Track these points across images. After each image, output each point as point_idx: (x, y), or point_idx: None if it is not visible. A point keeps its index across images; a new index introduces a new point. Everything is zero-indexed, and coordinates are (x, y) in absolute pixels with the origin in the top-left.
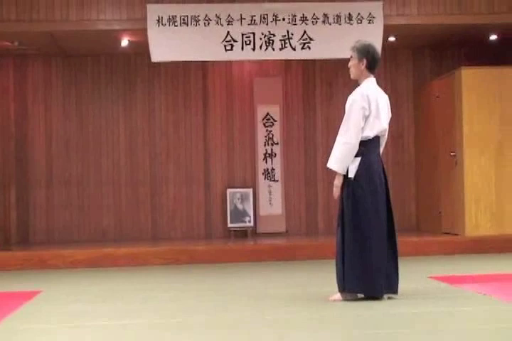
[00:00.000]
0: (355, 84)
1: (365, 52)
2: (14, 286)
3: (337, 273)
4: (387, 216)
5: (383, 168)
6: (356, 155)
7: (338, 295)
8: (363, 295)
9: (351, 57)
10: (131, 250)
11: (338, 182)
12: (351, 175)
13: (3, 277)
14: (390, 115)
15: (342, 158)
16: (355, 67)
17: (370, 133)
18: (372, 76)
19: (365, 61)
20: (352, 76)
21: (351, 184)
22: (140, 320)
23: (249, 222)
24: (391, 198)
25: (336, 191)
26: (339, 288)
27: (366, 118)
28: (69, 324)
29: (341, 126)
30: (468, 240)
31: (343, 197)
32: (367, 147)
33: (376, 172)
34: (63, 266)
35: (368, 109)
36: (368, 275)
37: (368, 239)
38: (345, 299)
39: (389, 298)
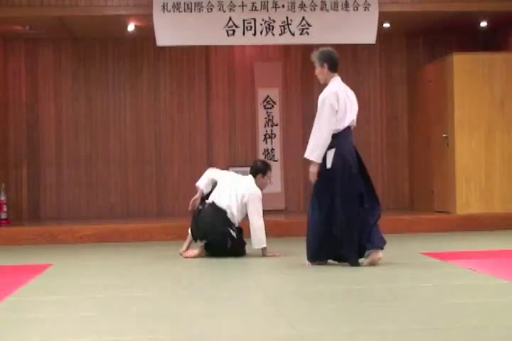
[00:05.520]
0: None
1: (323, 58)
2: (26, 260)
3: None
4: (370, 196)
5: (357, 153)
6: (331, 147)
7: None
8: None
9: (315, 66)
10: (138, 226)
11: (313, 169)
12: (329, 165)
13: (16, 251)
14: (357, 107)
15: (316, 148)
16: (320, 73)
17: (340, 127)
18: (336, 75)
19: (326, 65)
20: (321, 81)
21: (328, 172)
22: (144, 293)
23: None
24: (371, 178)
25: (313, 177)
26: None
27: (335, 113)
28: (78, 296)
29: (314, 122)
30: (459, 218)
31: (320, 180)
32: (339, 138)
33: (350, 160)
34: (72, 240)
35: (337, 105)
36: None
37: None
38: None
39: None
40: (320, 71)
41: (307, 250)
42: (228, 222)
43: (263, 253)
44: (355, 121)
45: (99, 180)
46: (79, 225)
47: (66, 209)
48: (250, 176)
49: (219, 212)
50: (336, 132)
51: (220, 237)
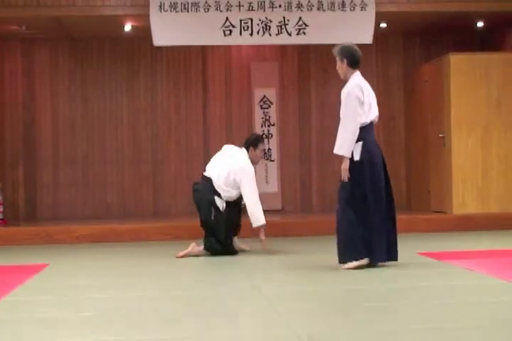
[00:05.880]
0: None
1: (344, 53)
2: (23, 260)
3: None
4: (387, 193)
5: (380, 151)
6: (358, 140)
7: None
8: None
9: (336, 60)
10: (134, 226)
11: (345, 165)
12: (357, 158)
13: (13, 251)
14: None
15: (345, 143)
16: (340, 68)
17: (366, 120)
18: (357, 71)
19: (345, 60)
20: (341, 76)
21: (357, 166)
22: (141, 293)
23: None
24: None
25: (345, 174)
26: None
27: (361, 105)
28: (75, 296)
29: (341, 116)
30: (456, 218)
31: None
32: (365, 132)
33: (376, 154)
34: (69, 240)
35: (363, 97)
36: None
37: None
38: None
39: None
40: (339, 66)
41: (344, 251)
42: (214, 190)
43: (261, 232)
44: (377, 117)
45: (95, 180)
46: (75, 225)
47: (63, 209)
48: (244, 151)
49: (207, 181)
50: (362, 125)
51: (207, 206)
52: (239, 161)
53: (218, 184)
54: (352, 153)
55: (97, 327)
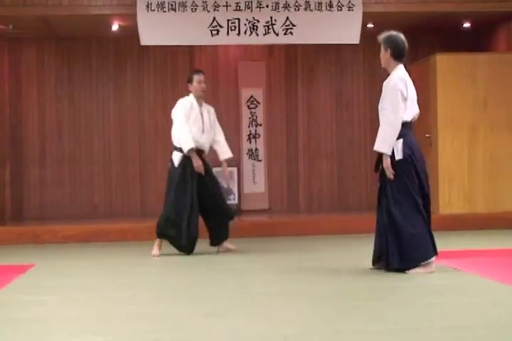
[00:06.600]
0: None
1: (389, 42)
2: (9, 260)
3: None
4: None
5: (421, 149)
6: (398, 137)
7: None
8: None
9: (381, 48)
10: (121, 226)
11: (387, 163)
12: (399, 156)
13: None
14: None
15: (387, 139)
16: (382, 57)
17: (407, 117)
18: (400, 64)
19: (389, 50)
20: (382, 65)
21: (400, 164)
22: (129, 292)
23: (234, 199)
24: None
25: (389, 172)
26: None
27: (404, 101)
28: (59, 296)
29: (383, 110)
30: (442, 218)
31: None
32: (406, 129)
33: (418, 151)
34: (55, 240)
35: (406, 92)
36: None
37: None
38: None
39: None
40: (382, 54)
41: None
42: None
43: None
44: (418, 115)
45: (82, 179)
46: (62, 225)
47: (49, 208)
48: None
49: None
50: (403, 122)
51: None
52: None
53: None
54: (393, 151)
55: (83, 328)
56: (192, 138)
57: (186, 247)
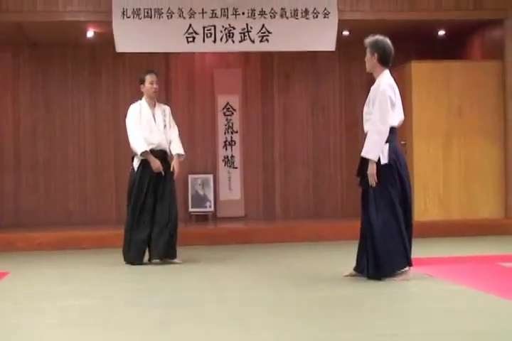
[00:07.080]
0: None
1: (376, 47)
2: None
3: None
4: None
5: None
6: (385, 142)
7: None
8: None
9: (366, 51)
10: (96, 233)
11: (373, 169)
12: (384, 161)
13: None
14: None
15: (375, 146)
16: (368, 61)
17: (394, 123)
18: (386, 69)
19: (376, 55)
20: (367, 69)
21: (384, 168)
22: (103, 300)
23: (210, 206)
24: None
25: (372, 179)
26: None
27: (393, 107)
28: (34, 305)
29: (372, 116)
30: (417, 225)
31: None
32: (392, 135)
33: (401, 156)
34: (30, 248)
35: (394, 98)
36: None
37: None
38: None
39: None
40: (368, 59)
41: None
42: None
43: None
44: (402, 121)
45: (57, 186)
46: (37, 232)
47: (24, 215)
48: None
49: None
50: (390, 127)
51: None
52: None
53: None
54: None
55: (59, 336)
56: (144, 140)
57: (130, 258)
